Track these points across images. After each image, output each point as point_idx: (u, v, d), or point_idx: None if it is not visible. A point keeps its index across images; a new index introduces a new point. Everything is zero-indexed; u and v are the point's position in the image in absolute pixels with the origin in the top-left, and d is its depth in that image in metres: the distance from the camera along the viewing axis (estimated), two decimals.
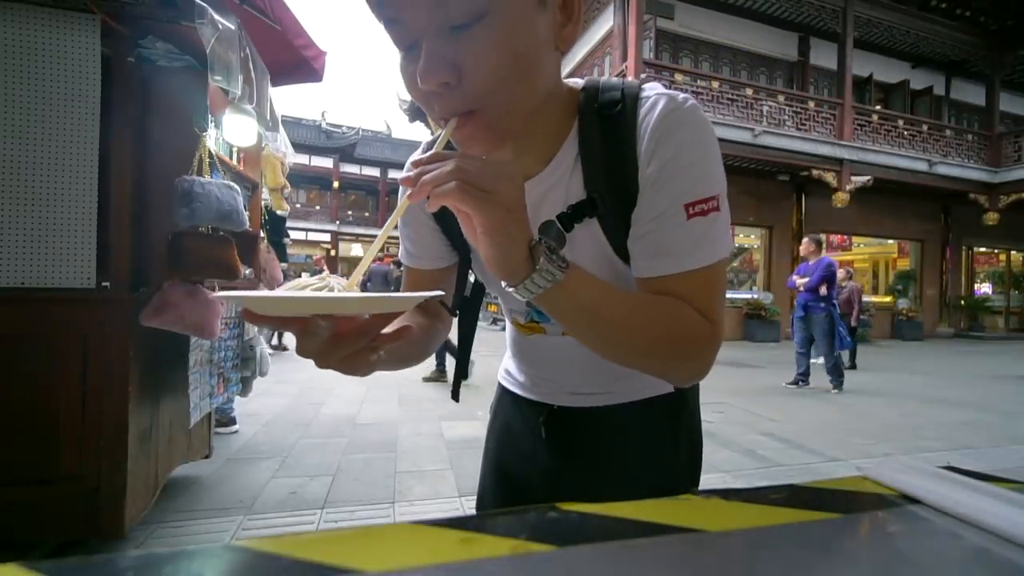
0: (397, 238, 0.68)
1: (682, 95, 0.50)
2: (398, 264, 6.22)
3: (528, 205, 0.55)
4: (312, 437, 3.13)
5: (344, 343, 0.39)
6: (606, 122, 0.51)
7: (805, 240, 5.21)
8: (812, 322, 5.00)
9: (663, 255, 0.48)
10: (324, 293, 0.37)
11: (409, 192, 0.38)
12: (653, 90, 0.51)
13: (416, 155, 0.60)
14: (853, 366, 6.53)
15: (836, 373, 4.94)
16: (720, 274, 0.50)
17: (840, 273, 6.67)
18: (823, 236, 5.30)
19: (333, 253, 23.06)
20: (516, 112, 0.45)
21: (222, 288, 2.05)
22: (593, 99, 0.52)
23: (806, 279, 5.01)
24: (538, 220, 0.54)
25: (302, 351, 0.39)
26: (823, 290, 4.88)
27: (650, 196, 0.48)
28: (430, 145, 0.61)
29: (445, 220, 0.60)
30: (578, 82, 0.55)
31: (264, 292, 0.36)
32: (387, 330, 0.41)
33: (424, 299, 0.40)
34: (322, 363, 0.39)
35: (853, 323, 6.35)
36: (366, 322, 0.39)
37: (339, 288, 0.39)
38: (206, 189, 1.78)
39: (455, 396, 0.72)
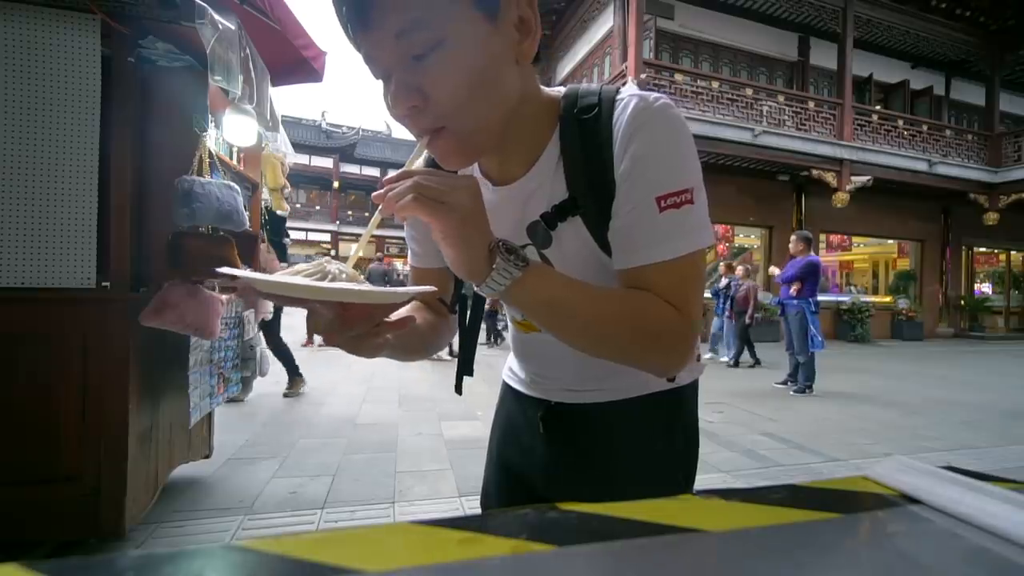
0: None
1: (654, 95, 0.51)
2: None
3: (514, 206, 0.57)
4: (312, 437, 3.13)
5: (350, 325, 0.43)
6: (585, 125, 0.53)
7: (793, 238, 5.12)
8: (787, 320, 4.98)
9: (636, 248, 0.50)
10: (311, 281, 0.41)
11: (377, 202, 0.43)
12: (627, 92, 0.53)
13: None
14: (756, 362, 6.41)
15: (806, 375, 4.82)
16: (695, 265, 0.51)
17: (739, 270, 6.68)
18: (809, 233, 5.23)
19: (333, 253, 23.06)
20: (483, 125, 0.49)
21: (222, 287, 2.06)
22: (572, 105, 0.54)
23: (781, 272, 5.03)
24: (524, 220, 0.56)
25: (312, 327, 0.44)
26: (794, 288, 4.85)
27: (625, 191, 0.50)
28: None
29: None
30: (560, 90, 0.57)
31: (257, 274, 0.39)
32: (391, 318, 0.45)
33: (416, 294, 0.44)
34: (329, 341, 0.43)
35: (748, 320, 6.29)
36: (370, 309, 0.43)
37: (335, 275, 0.42)
38: (206, 189, 1.78)
39: (458, 389, 0.73)
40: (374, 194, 0.44)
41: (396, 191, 0.42)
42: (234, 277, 0.42)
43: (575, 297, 0.48)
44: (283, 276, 0.41)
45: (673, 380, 0.66)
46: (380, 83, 0.49)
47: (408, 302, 0.45)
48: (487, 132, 0.50)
